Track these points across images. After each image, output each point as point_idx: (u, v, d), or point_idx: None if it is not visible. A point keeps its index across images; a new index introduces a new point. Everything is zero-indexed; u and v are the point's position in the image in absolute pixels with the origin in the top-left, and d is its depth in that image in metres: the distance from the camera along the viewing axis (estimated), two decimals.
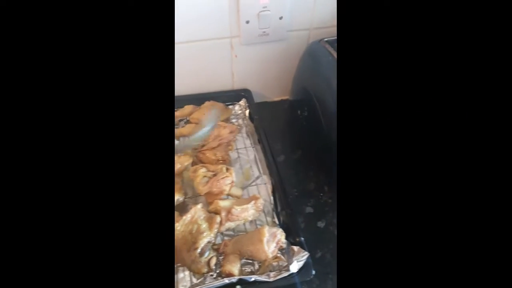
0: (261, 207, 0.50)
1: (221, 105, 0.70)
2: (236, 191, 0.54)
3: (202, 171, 0.52)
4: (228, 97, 0.73)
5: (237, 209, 0.48)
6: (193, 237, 0.45)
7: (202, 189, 0.51)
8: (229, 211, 0.48)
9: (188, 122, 0.69)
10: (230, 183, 0.51)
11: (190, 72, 0.70)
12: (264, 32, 0.64)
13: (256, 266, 0.46)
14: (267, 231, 0.45)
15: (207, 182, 0.51)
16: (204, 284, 0.43)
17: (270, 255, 0.44)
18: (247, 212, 0.49)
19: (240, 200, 0.52)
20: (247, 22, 0.62)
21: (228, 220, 0.47)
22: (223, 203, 0.49)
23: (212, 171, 0.53)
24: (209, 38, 0.65)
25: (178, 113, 0.69)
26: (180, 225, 0.46)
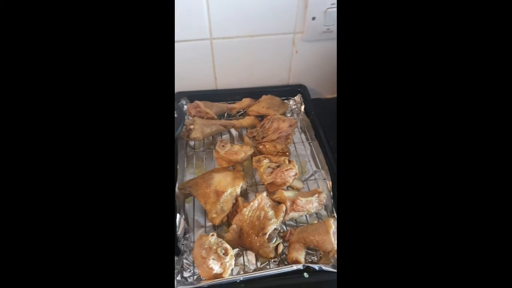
0: (324, 201, 0.51)
1: (278, 99, 0.72)
2: (298, 183, 0.55)
3: (266, 161, 0.54)
4: (283, 91, 0.75)
5: (302, 201, 0.49)
6: (261, 223, 0.47)
7: (266, 178, 0.53)
8: (294, 202, 0.49)
9: (245, 114, 0.71)
10: (294, 175, 0.53)
11: (248, 66, 0.72)
12: (328, 29, 0.65)
13: (318, 257, 0.48)
14: (333, 223, 0.46)
15: (271, 172, 0.53)
16: (269, 269, 0.45)
17: (336, 247, 0.45)
18: (311, 204, 0.50)
19: (303, 193, 0.53)
20: (313, 18, 0.63)
21: (293, 210, 0.49)
22: (287, 194, 0.51)
23: (275, 162, 0.54)
24: (272, 33, 0.66)
25: (236, 105, 0.71)
26: (248, 211, 0.48)
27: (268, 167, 0.53)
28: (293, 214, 0.49)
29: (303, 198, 0.49)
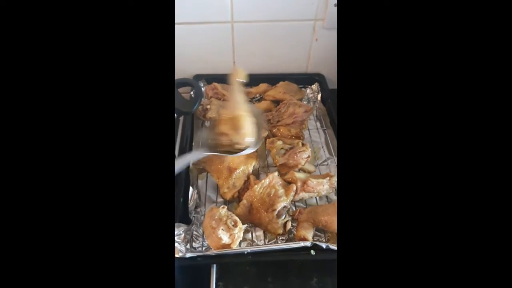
0: (335, 185, 0.51)
1: (295, 86, 0.72)
2: (310, 167, 0.56)
3: (279, 143, 0.55)
4: (301, 79, 0.75)
5: (313, 182, 0.49)
6: (271, 199, 0.47)
7: (279, 159, 0.53)
8: (305, 182, 0.49)
9: (262, 99, 0.72)
10: (306, 157, 0.53)
11: (267, 51, 0.72)
12: None
13: (326, 239, 0.48)
14: None
15: (284, 154, 0.53)
16: (276, 244, 0.46)
17: None
18: (322, 186, 0.50)
19: (314, 175, 0.53)
20: (336, 5, 0.63)
21: (303, 190, 0.49)
22: (299, 174, 0.51)
23: (289, 145, 0.55)
24: (293, 19, 0.67)
25: (253, 90, 0.72)
26: (259, 187, 0.48)
27: (282, 148, 0.54)
28: (303, 195, 0.50)
29: (314, 179, 0.50)
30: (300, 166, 0.54)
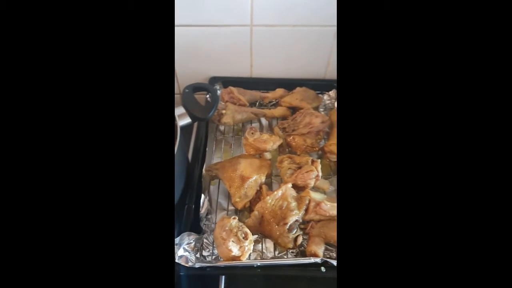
0: None
1: (312, 92, 0.71)
2: (323, 184, 0.54)
3: (286, 163, 0.53)
4: (318, 85, 0.73)
5: (326, 205, 0.48)
6: (283, 212, 0.47)
7: (288, 180, 0.51)
8: (318, 204, 0.48)
9: (277, 104, 0.71)
10: (315, 177, 0.51)
11: (285, 56, 0.71)
12: None
13: (336, 253, 0.47)
14: None
15: (292, 174, 0.52)
16: (286, 258, 0.45)
17: None
18: (335, 211, 0.48)
19: (331, 198, 0.51)
20: None
21: (314, 212, 0.48)
22: (314, 195, 0.49)
23: (298, 163, 0.53)
24: (314, 24, 0.65)
25: (270, 95, 0.71)
26: (271, 199, 0.48)
27: (289, 168, 0.52)
28: (313, 216, 0.48)
29: (328, 203, 0.48)
30: (310, 187, 0.51)
